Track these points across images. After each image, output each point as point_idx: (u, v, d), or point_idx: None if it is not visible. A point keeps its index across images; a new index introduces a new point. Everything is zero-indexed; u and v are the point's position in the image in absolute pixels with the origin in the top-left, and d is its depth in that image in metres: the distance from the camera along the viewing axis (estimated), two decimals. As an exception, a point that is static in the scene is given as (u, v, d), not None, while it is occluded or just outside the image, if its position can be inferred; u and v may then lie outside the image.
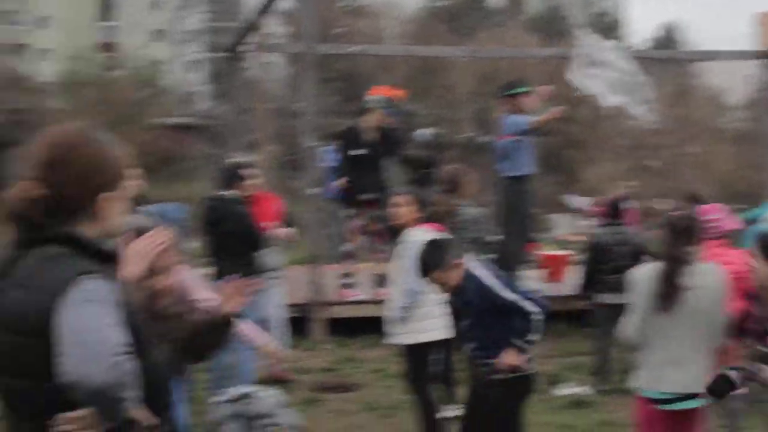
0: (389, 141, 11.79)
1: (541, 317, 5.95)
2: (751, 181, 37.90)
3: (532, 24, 67.24)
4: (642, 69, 12.33)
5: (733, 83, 58.39)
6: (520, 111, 11.36)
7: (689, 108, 50.47)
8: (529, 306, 5.96)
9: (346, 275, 12.38)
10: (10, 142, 22.28)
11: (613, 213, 10.01)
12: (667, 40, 75.78)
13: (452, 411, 8.30)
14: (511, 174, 11.45)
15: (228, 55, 17.57)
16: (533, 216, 11.68)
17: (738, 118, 58.61)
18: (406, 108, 11.66)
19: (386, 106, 11.35)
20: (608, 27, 78.23)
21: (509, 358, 5.94)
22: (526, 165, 11.52)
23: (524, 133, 11.28)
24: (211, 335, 3.93)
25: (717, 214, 7.60)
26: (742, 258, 6.95)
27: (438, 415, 7.70)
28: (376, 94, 11.53)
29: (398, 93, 11.56)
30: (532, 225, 11.82)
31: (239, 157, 16.09)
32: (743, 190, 46.43)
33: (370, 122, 11.58)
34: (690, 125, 49.33)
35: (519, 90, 11.48)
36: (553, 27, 66.37)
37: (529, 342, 5.99)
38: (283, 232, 9.72)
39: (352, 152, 11.59)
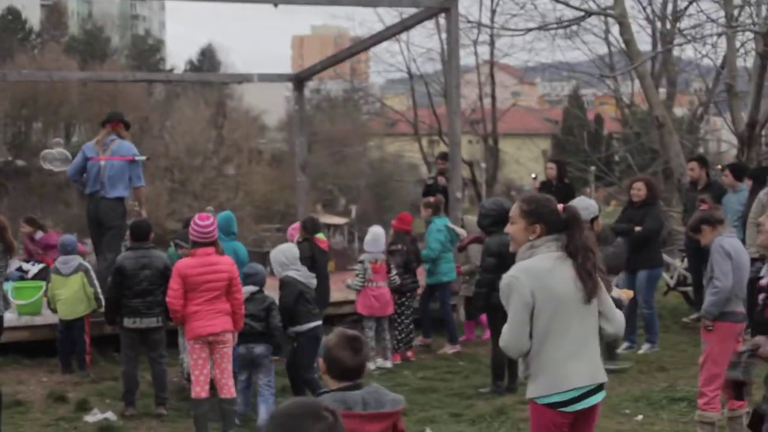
0: None
1: None
2: (288, 201, 39.24)
3: (72, 46, 66.12)
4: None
5: (271, 105, 60.75)
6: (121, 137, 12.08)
7: (227, 129, 51.57)
8: None
9: None
10: None
11: (138, 236, 9.67)
12: (206, 62, 76.91)
13: None
14: (119, 195, 11.86)
15: None
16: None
17: (275, 139, 60.70)
18: None
19: None
20: (149, 49, 78.62)
21: None
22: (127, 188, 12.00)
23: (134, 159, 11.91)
24: None
25: (208, 221, 8.35)
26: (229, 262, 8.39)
27: None
28: None
29: None
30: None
31: None
32: (280, 210, 48.23)
33: None
34: (228, 146, 50.43)
35: (120, 117, 12.31)
36: (93, 49, 65.70)
37: None
38: None
39: None
